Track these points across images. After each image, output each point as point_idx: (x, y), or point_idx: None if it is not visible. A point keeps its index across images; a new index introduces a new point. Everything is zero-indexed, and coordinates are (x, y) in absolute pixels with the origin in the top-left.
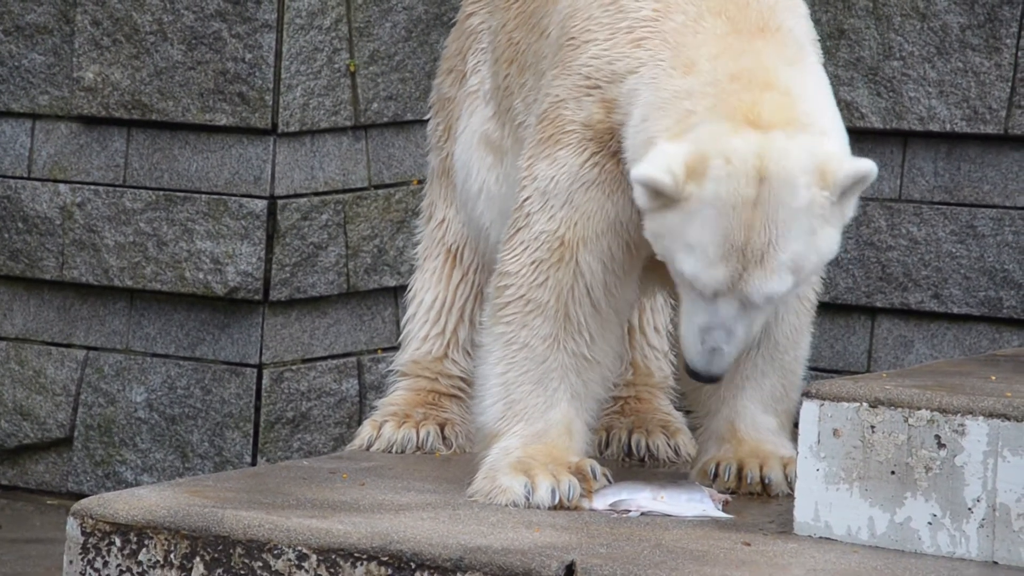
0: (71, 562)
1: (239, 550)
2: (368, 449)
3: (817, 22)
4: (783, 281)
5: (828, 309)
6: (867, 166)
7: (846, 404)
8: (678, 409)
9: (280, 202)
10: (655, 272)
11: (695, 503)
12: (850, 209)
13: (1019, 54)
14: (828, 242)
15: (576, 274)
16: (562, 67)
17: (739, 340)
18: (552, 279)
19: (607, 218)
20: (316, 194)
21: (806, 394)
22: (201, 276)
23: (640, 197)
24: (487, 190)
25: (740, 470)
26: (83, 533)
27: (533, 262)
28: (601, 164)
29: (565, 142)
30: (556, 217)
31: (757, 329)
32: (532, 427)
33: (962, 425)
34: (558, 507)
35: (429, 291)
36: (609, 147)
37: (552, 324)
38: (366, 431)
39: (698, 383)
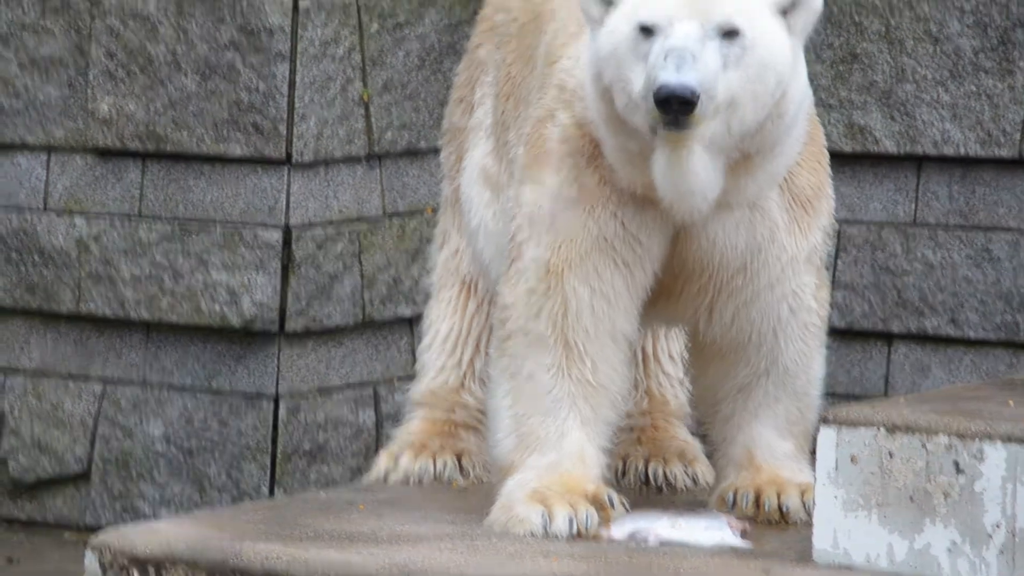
0: None
1: None
2: (385, 480)
3: (829, 46)
4: (738, 11)
5: (844, 335)
6: None
7: (863, 430)
8: (695, 437)
9: (295, 232)
10: (660, 305)
11: (713, 531)
12: (797, 28)
13: None
14: (780, 41)
15: (565, 301)
16: (541, 87)
17: (706, 67)
18: (545, 309)
19: (590, 236)
20: (331, 224)
21: (823, 420)
22: (217, 308)
23: (589, 5)
24: (485, 226)
25: (758, 498)
26: (101, 566)
27: (527, 292)
28: (580, 180)
29: (545, 162)
30: (543, 243)
31: (732, 83)
32: (546, 457)
33: (980, 450)
34: (576, 537)
35: (445, 321)
36: (586, 157)
37: (553, 353)
38: (383, 462)
39: (669, 116)
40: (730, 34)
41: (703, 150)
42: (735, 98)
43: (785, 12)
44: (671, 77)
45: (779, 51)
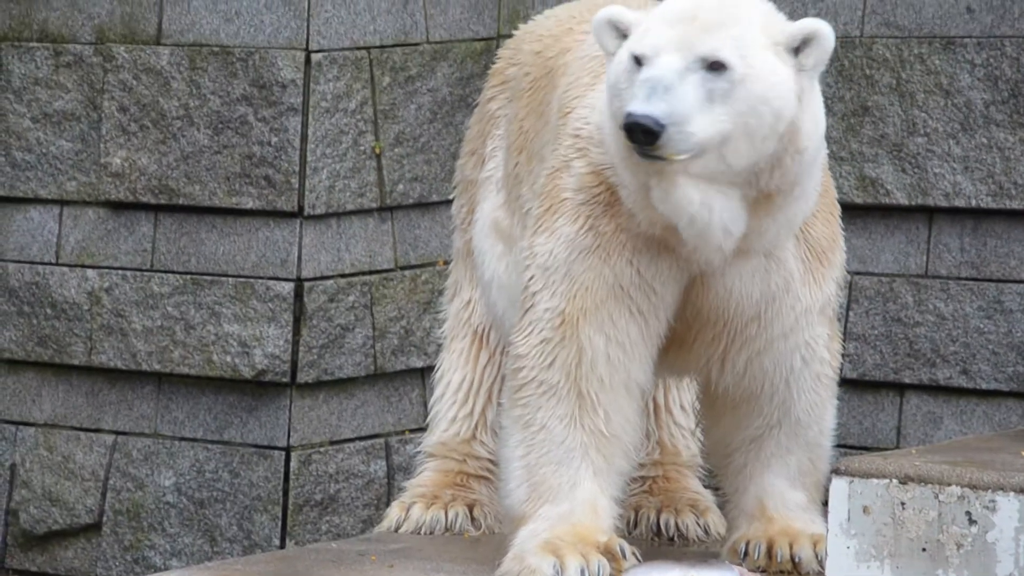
0: None
1: None
2: (397, 531)
3: (841, 99)
4: (725, 45)
5: (856, 386)
6: (817, 23)
7: (876, 481)
8: (707, 487)
9: (307, 284)
10: (672, 355)
11: None
12: (809, 64)
13: None
14: (780, 77)
15: (580, 350)
16: (555, 138)
17: (678, 99)
18: (559, 359)
19: (606, 284)
20: (342, 276)
21: (835, 471)
22: (228, 359)
23: (604, 37)
24: (498, 279)
25: (770, 548)
26: None
27: (541, 342)
28: (596, 228)
29: (561, 211)
30: (557, 293)
31: (719, 117)
32: (558, 508)
33: (993, 501)
34: None
35: (456, 372)
36: (603, 205)
37: (566, 404)
38: (394, 512)
39: (635, 145)
40: (716, 67)
41: (697, 182)
42: (724, 133)
43: (797, 50)
44: (638, 107)
45: (777, 87)
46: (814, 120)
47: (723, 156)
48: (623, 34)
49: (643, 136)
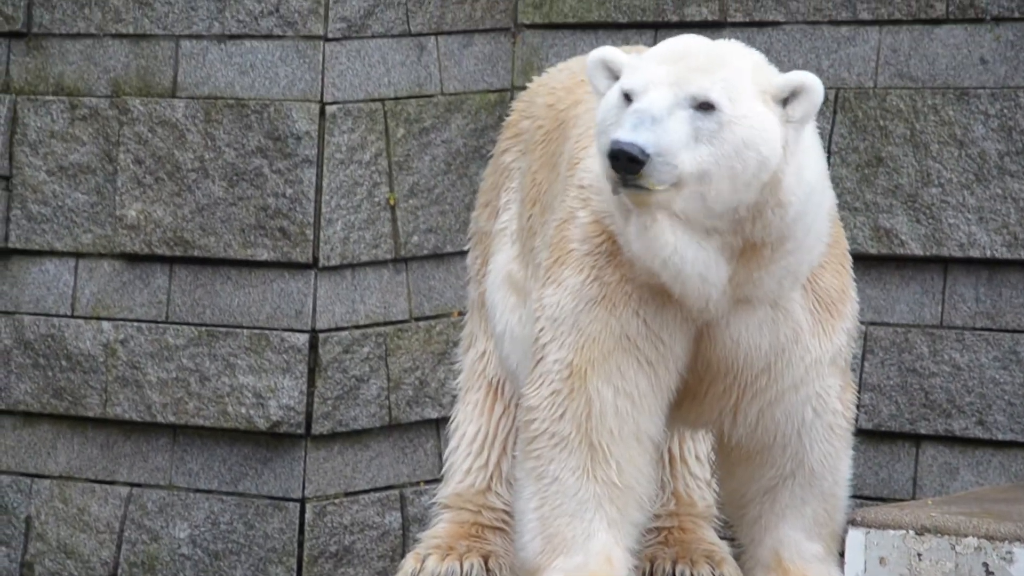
0: None
1: None
2: None
3: (855, 150)
4: (716, 86)
5: (872, 436)
6: (805, 76)
7: (892, 532)
8: (722, 538)
9: (322, 336)
10: (685, 407)
11: None
12: (797, 116)
13: None
14: (767, 125)
15: (589, 402)
16: (564, 190)
17: (665, 131)
18: (569, 410)
19: (613, 335)
20: (357, 327)
21: (852, 522)
22: (243, 411)
23: (596, 78)
24: (511, 331)
25: None
26: None
27: (551, 394)
28: (601, 278)
29: (568, 262)
30: (566, 344)
31: (703, 156)
32: (572, 560)
33: (1010, 552)
34: None
35: (472, 423)
36: (606, 255)
37: (578, 456)
38: (409, 564)
39: (619, 174)
40: (705, 107)
41: (673, 225)
42: (707, 172)
43: (785, 101)
44: (624, 135)
45: (764, 134)
46: (798, 175)
47: (703, 196)
48: (615, 75)
49: (627, 164)
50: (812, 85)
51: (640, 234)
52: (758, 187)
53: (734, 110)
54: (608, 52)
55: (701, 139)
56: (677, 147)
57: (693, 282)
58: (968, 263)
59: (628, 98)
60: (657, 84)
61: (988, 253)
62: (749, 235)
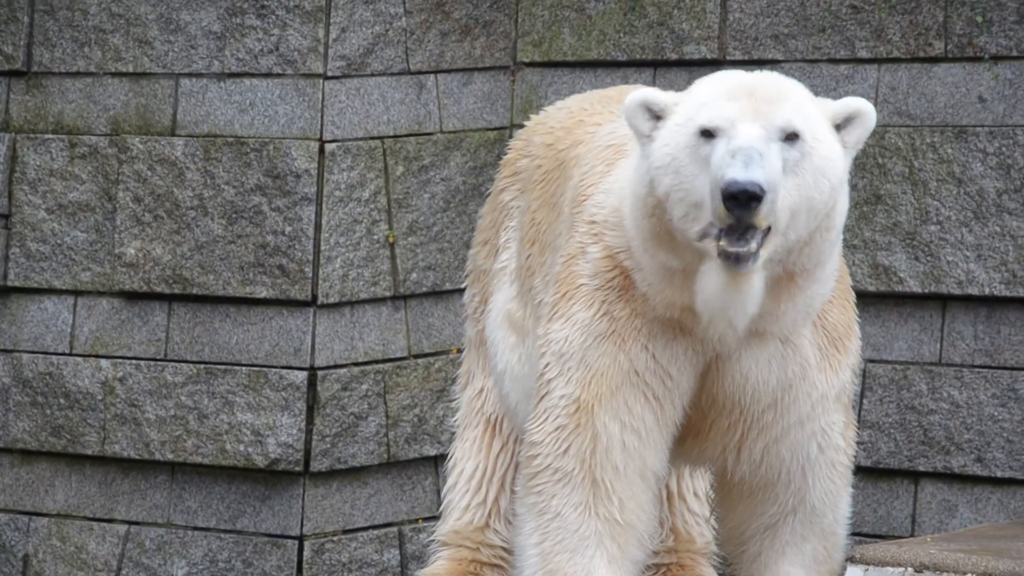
0: None
1: None
2: None
3: (854, 188)
4: (797, 116)
5: (871, 473)
6: (860, 102)
7: (891, 569)
8: (721, 575)
9: (320, 373)
10: (688, 444)
11: None
12: (851, 142)
13: None
14: (835, 151)
15: (595, 437)
16: (571, 227)
17: (772, 166)
18: (574, 446)
19: (621, 370)
20: (356, 364)
21: (850, 559)
22: (242, 448)
23: (638, 120)
24: (511, 370)
25: None
26: None
27: (556, 429)
28: (611, 313)
29: (577, 297)
30: (573, 379)
31: (790, 189)
32: None
33: None
34: None
35: (470, 460)
36: (617, 290)
37: (581, 492)
38: None
39: (735, 214)
40: (791, 138)
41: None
42: (792, 204)
43: (839, 127)
44: (739, 173)
45: (835, 160)
46: (846, 199)
47: (785, 232)
48: (656, 116)
49: (747, 203)
50: (867, 110)
51: (727, 286)
52: (824, 216)
53: (812, 138)
54: (650, 93)
55: (787, 171)
56: (779, 181)
57: (736, 314)
58: (967, 300)
59: (707, 135)
60: (743, 119)
61: (986, 291)
62: (793, 262)
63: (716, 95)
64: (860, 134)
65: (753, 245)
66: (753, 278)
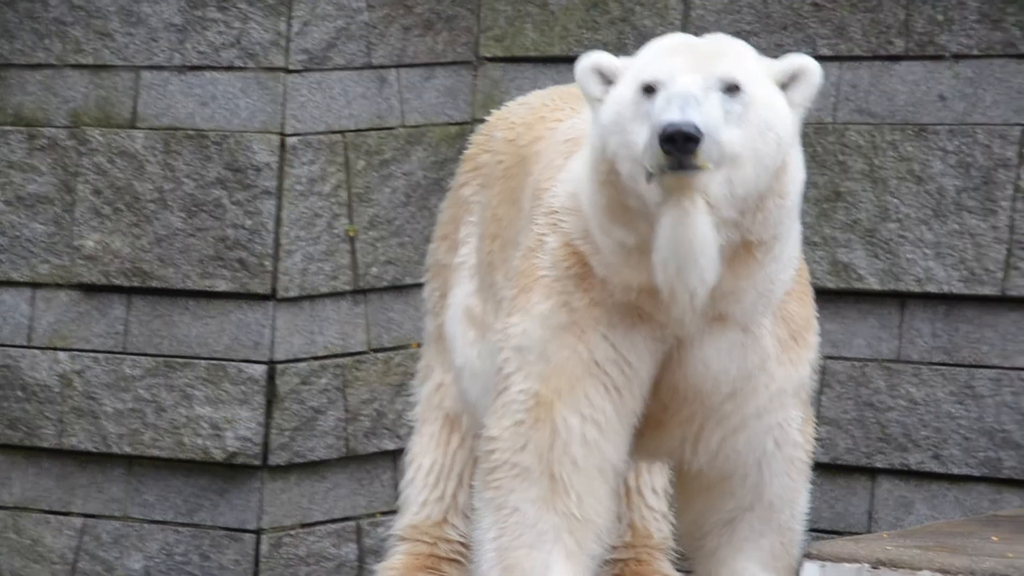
0: None
1: None
2: None
3: (814, 185)
4: (738, 68)
5: (828, 470)
6: (804, 59)
7: (847, 565)
8: (679, 571)
9: (279, 367)
10: (647, 437)
11: None
12: (797, 100)
13: (1015, 216)
14: (781, 106)
15: (554, 432)
16: (529, 220)
17: (709, 112)
18: (532, 442)
19: (581, 361)
20: (315, 359)
21: (807, 555)
22: (200, 442)
23: (589, 84)
24: (470, 366)
25: None
26: None
27: (514, 424)
28: (569, 304)
29: (535, 290)
30: (532, 374)
31: (734, 138)
32: None
33: None
34: None
35: (427, 455)
36: (575, 279)
37: (539, 487)
38: None
39: (673, 157)
40: (732, 89)
41: (707, 211)
42: (737, 155)
43: (784, 86)
44: (675, 115)
45: (780, 114)
46: (798, 164)
47: (731, 181)
48: (608, 80)
49: (684, 144)
50: (811, 67)
51: (675, 227)
52: (773, 173)
53: (755, 91)
54: (601, 57)
55: (730, 121)
56: (720, 125)
57: (694, 275)
58: (925, 298)
59: (650, 90)
60: (683, 71)
61: (945, 288)
62: (748, 229)
63: (659, 53)
64: (806, 91)
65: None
66: (699, 204)
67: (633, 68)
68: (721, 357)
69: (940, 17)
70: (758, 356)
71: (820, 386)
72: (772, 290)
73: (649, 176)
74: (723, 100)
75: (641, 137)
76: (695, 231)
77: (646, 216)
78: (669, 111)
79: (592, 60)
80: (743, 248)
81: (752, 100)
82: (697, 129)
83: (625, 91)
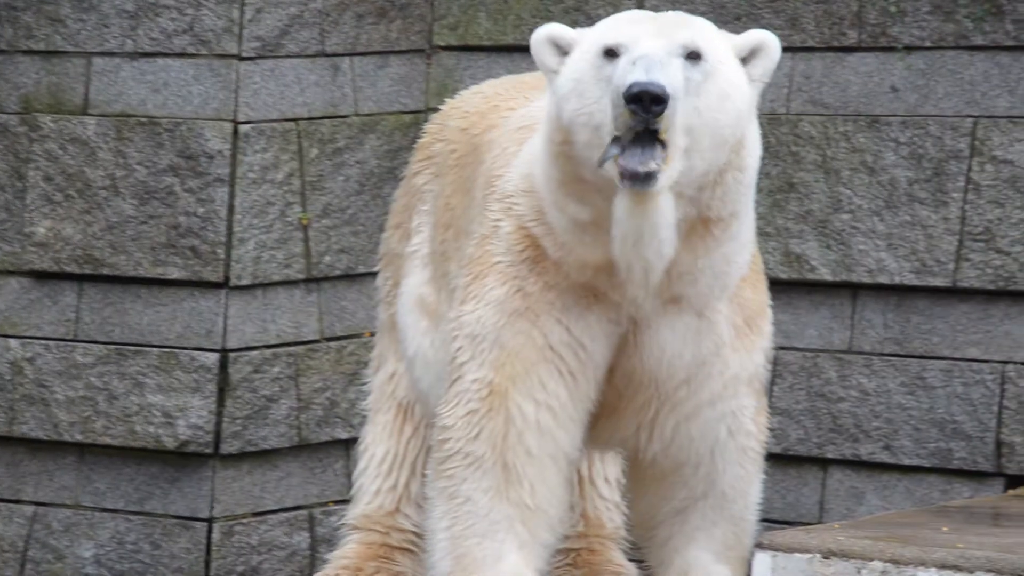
0: None
1: None
2: None
3: (767, 175)
4: (700, 36)
5: (779, 460)
6: (764, 34)
7: (799, 555)
8: (631, 560)
9: (232, 355)
10: (601, 424)
11: None
12: (757, 74)
13: (966, 208)
14: (740, 78)
15: (507, 421)
16: (483, 207)
17: (673, 75)
18: (485, 431)
19: (535, 347)
20: (268, 347)
21: (759, 545)
22: (152, 430)
23: (544, 55)
24: (423, 355)
25: None
26: None
27: (467, 413)
28: (523, 289)
29: (489, 276)
30: (486, 362)
31: (692, 109)
32: None
33: None
34: None
35: (381, 445)
36: (528, 263)
37: (491, 476)
38: None
39: (639, 117)
40: (693, 56)
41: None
42: (695, 127)
43: (744, 60)
44: (641, 76)
45: (740, 86)
46: (755, 138)
47: (688, 153)
48: (564, 51)
49: (651, 105)
50: (771, 42)
51: (634, 209)
52: (732, 146)
53: (716, 60)
54: (556, 28)
55: (690, 91)
56: (681, 92)
57: (651, 249)
58: (877, 289)
59: (612, 54)
60: (645, 37)
61: (896, 279)
62: (707, 204)
63: (619, 21)
64: (766, 65)
65: (652, 164)
66: (660, 201)
67: (592, 35)
68: (676, 341)
69: (893, 8)
70: (713, 342)
71: (772, 377)
72: (728, 272)
73: (601, 161)
74: (685, 67)
75: (602, 103)
76: (655, 205)
77: (601, 189)
78: (634, 72)
79: (547, 31)
80: (701, 224)
81: (713, 69)
82: (663, 90)
83: (584, 56)
